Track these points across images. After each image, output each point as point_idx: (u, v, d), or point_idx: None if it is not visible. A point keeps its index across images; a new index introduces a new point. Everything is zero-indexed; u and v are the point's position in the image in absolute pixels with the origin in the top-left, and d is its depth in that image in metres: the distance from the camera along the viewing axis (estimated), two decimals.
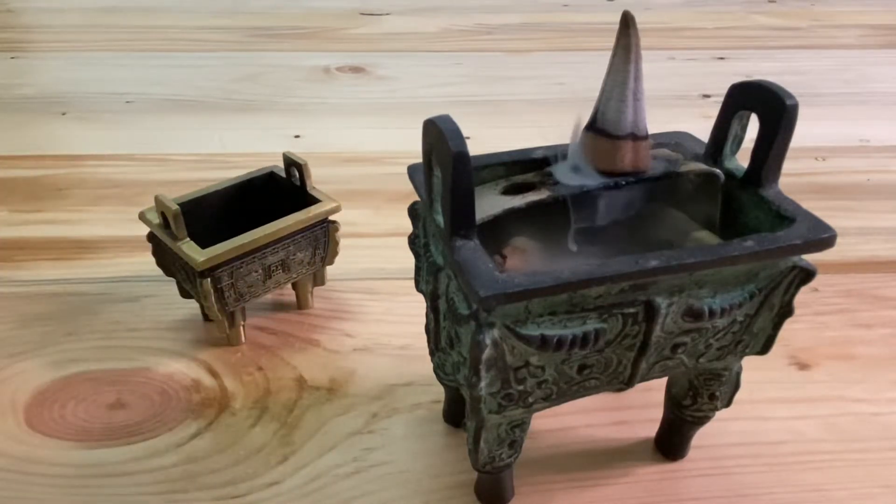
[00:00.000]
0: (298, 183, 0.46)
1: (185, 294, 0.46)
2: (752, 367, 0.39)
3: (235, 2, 1.12)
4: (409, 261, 0.36)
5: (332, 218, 0.46)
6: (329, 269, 0.49)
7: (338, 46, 0.97)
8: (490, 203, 0.30)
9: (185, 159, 0.68)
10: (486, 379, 0.28)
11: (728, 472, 0.38)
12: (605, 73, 0.30)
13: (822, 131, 0.75)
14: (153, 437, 0.40)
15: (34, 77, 0.86)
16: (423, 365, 0.42)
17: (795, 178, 0.66)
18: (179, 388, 0.43)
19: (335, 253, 0.47)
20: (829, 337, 0.48)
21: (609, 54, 0.30)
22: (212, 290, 0.41)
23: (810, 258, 0.30)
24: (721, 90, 0.33)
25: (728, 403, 0.36)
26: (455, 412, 0.40)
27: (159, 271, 0.46)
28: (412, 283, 0.37)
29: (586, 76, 0.88)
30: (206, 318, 0.47)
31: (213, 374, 0.44)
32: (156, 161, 0.68)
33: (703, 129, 0.34)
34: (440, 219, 0.29)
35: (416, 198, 0.32)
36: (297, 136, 0.73)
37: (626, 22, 0.29)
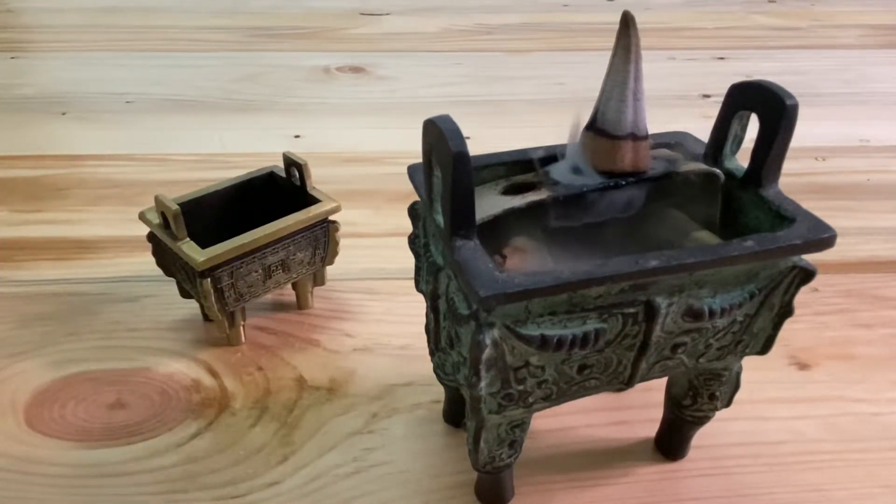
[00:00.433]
0: (298, 183, 0.46)
1: (185, 294, 0.46)
2: (752, 367, 0.39)
3: (235, 2, 1.12)
4: (409, 261, 0.36)
5: (332, 218, 0.46)
6: (329, 269, 0.49)
7: (338, 46, 0.97)
8: (490, 203, 0.30)
9: (185, 159, 0.68)
10: (486, 379, 0.28)
11: (728, 472, 0.38)
12: (605, 73, 0.30)
13: (822, 131, 0.75)
14: (153, 437, 0.40)
15: (34, 77, 0.86)
16: (423, 365, 0.42)
17: (795, 178, 0.66)
18: (179, 388, 0.43)
19: (335, 253, 0.47)
20: (829, 337, 0.48)
21: (609, 54, 0.30)
22: (212, 290, 0.41)
23: (810, 258, 0.30)
24: (721, 90, 0.33)
25: (728, 403, 0.36)
26: (455, 412, 0.40)
27: (159, 271, 0.46)
28: (412, 283, 0.37)
29: (586, 76, 0.88)
30: (206, 318, 0.47)
31: (213, 374, 0.44)
32: (156, 161, 0.68)
33: (703, 129, 0.34)
34: (440, 219, 0.29)
35: (416, 198, 0.32)
36: (297, 136, 0.73)
37: (626, 22, 0.29)
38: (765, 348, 0.33)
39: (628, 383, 0.31)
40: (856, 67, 0.92)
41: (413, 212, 0.33)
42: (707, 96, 0.83)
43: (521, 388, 0.29)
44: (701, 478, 0.38)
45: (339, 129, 0.74)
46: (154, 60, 0.90)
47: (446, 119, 0.26)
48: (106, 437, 0.40)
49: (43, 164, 0.67)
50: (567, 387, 0.30)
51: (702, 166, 0.32)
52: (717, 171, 0.32)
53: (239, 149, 0.70)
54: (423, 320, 0.36)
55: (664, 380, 0.38)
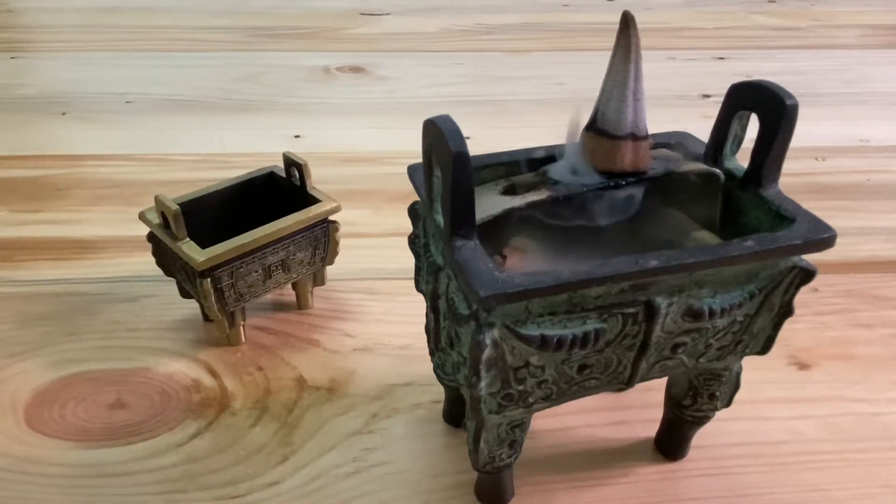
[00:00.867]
0: (298, 183, 0.46)
1: (185, 294, 0.46)
2: (752, 367, 0.39)
3: (235, 2, 1.12)
4: (409, 261, 0.36)
5: (332, 218, 0.46)
6: (329, 269, 0.49)
7: (338, 46, 0.97)
8: (490, 203, 0.30)
9: (185, 159, 0.68)
10: (486, 379, 0.28)
11: (728, 472, 0.38)
12: (605, 73, 0.30)
13: (822, 131, 0.75)
14: (153, 437, 0.40)
15: (34, 77, 0.86)
16: (423, 365, 0.42)
17: (795, 178, 0.66)
18: (179, 388, 0.43)
19: (335, 253, 0.47)
20: (829, 337, 0.48)
21: (609, 54, 0.30)
22: (212, 290, 0.41)
23: (810, 258, 0.30)
24: (721, 90, 0.33)
25: (728, 403, 0.36)
26: (455, 412, 0.40)
27: (159, 271, 0.46)
28: (412, 283, 0.37)
29: (586, 76, 0.88)
30: (206, 318, 0.47)
31: (213, 374, 0.44)
32: (156, 161, 0.68)
33: (703, 129, 0.34)
34: (440, 219, 0.29)
35: (416, 198, 0.32)
36: (297, 136, 0.73)
37: (626, 22, 0.29)
38: (765, 348, 0.33)
39: (628, 383, 0.31)
40: (856, 67, 0.92)
41: (413, 212, 0.33)
42: (707, 96, 0.83)
43: (521, 388, 0.29)
44: (701, 478, 0.38)
45: (339, 129, 0.74)
46: (154, 60, 0.90)
47: (446, 119, 0.26)
48: (106, 437, 0.40)
49: (43, 164, 0.67)
50: (567, 387, 0.30)
51: (702, 166, 0.32)
52: (717, 171, 0.32)
53: (239, 149, 0.70)
54: (423, 320, 0.36)
55: (664, 380, 0.38)
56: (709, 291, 0.29)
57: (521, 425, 0.32)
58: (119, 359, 0.45)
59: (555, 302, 0.27)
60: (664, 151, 0.34)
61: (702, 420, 0.37)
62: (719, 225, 0.32)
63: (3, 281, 0.51)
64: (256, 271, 0.43)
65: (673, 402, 0.37)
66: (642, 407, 0.42)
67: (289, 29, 1.02)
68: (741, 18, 1.11)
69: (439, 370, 0.35)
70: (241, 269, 0.42)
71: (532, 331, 0.27)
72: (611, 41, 0.30)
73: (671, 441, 0.39)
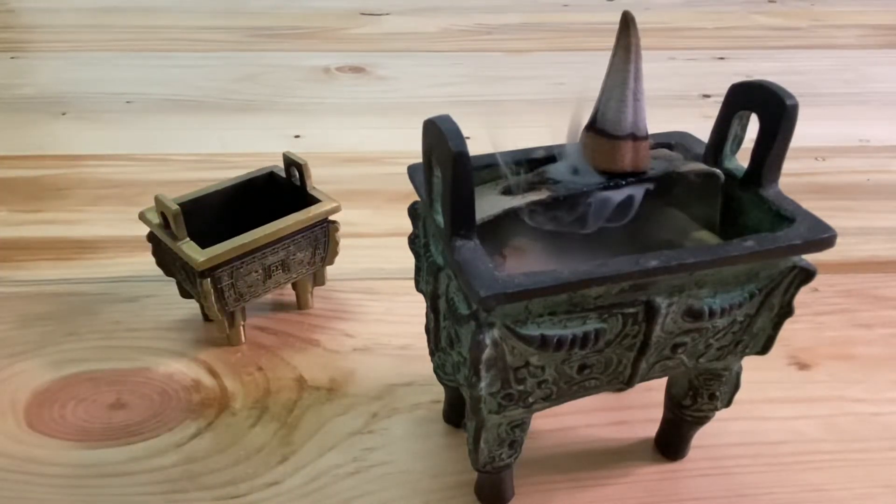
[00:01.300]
0: (298, 183, 0.46)
1: (185, 294, 0.46)
2: (752, 367, 0.39)
3: (235, 2, 1.12)
4: (409, 261, 0.36)
5: (332, 218, 0.46)
6: (329, 269, 0.49)
7: (338, 46, 0.97)
8: (490, 203, 0.30)
9: (185, 159, 0.68)
10: (486, 379, 0.28)
11: (728, 472, 0.38)
12: (605, 73, 0.30)
13: (822, 131, 0.75)
14: (153, 437, 0.40)
15: (34, 77, 0.86)
16: (423, 365, 0.42)
17: (795, 178, 0.66)
18: (179, 388, 0.43)
19: (335, 253, 0.47)
20: (829, 337, 0.48)
21: (609, 54, 0.30)
22: (212, 290, 0.41)
23: (810, 258, 0.30)
24: (721, 90, 0.33)
25: (728, 403, 0.36)
26: (455, 412, 0.40)
27: (159, 271, 0.46)
28: (412, 283, 0.37)
29: (586, 76, 0.88)
30: (206, 318, 0.47)
31: (213, 374, 0.44)
32: (156, 161, 0.68)
33: (703, 129, 0.34)
34: (440, 219, 0.29)
35: (416, 198, 0.32)
36: (297, 136, 0.73)
37: (626, 22, 0.29)
38: (765, 348, 0.33)
39: (628, 383, 0.31)
40: (856, 67, 0.92)
41: (413, 212, 0.33)
42: (707, 96, 0.83)
43: (521, 388, 0.29)
44: (701, 478, 0.38)
45: (339, 129, 0.74)
46: (154, 60, 0.90)
47: (446, 119, 0.26)
48: (106, 437, 0.40)
49: (43, 164, 0.67)
50: (567, 387, 0.30)
51: (702, 166, 0.32)
52: (717, 171, 0.32)
53: (239, 149, 0.70)
54: (423, 320, 0.36)
55: (664, 380, 0.38)
56: (709, 291, 0.29)
57: (521, 425, 0.32)
58: (119, 359, 0.45)
59: (555, 302, 0.27)
60: (664, 151, 0.34)
61: (702, 420, 0.37)
62: (719, 225, 0.32)
63: (3, 281, 0.51)
64: (256, 271, 0.43)
65: (673, 402, 0.37)
66: (642, 407, 0.42)
67: (289, 29, 1.02)
68: (741, 18, 1.10)
69: (439, 370, 0.35)
70: (241, 269, 0.42)
71: (532, 331, 0.27)
72: (611, 41, 0.30)
73: (671, 441, 0.39)
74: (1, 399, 0.42)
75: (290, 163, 0.46)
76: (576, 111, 0.31)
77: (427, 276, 0.32)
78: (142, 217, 0.44)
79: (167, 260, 0.44)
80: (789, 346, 0.46)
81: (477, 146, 0.31)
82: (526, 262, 0.30)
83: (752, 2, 1.18)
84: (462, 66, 0.91)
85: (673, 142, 0.35)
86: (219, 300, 0.42)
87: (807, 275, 0.30)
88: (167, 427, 0.40)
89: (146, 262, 0.48)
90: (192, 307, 0.48)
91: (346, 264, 0.51)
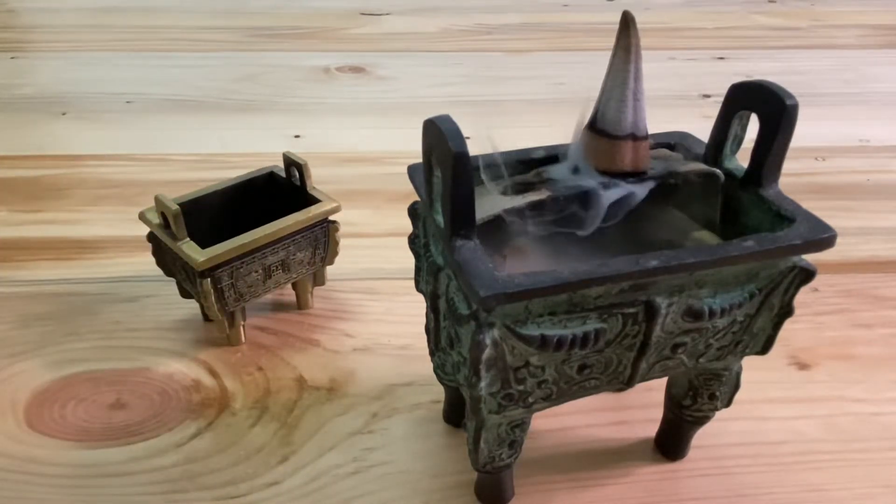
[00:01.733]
0: (298, 183, 0.46)
1: (185, 294, 0.46)
2: (752, 367, 0.39)
3: (235, 2, 1.12)
4: (409, 261, 0.36)
5: (332, 218, 0.46)
6: (329, 269, 0.49)
7: (338, 46, 0.97)
8: (490, 203, 0.30)
9: (185, 159, 0.68)
10: (486, 379, 0.28)
11: (728, 472, 0.38)
12: (605, 73, 0.30)
13: (822, 131, 0.75)
14: (153, 437, 0.40)
15: (34, 77, 0.86)
16: (423, 365, 0.42)
17: (795, 178, 0.66)
18: (179, 388, 0.43)
19: (335, 253, 0.47)
20: (829, 337, 0.48)
21: (609, 54, 0.30)
22: (212, 290, 0.41)
23: (810, 258, 0.30)
24: (721, 90, 0.33)
25: (728, 403, 0.36)
26: (455, 412, 0.40)
27: (159, 271, 0.46)
28: (412, 283, 0.37)
29: (586, 76, 0.88)
30: (206, 318, 0.47)
31: (213, 374, 0.44)
32: (156, 161, 0.68)
33: (703, 129, 0.34)
34: (440, 219, 0.29)
35: (416, 198, 0.32)
36: (297, 136, 0.73)
37: (626, 22, 0.29)
38: (765, 348, 0.33)
39: (628, 383, 0.31)
40: (856, 67, 0.92)
41: (413, 212, 0.33)
42: (707, 96, 0.83)
43: (521, 388, 0.29)
44: (701, 478, 0.38)
45: (338, 129, 0.74)
46: (154, 60, 0.90)
47: (446, 119, 0.26)
48: (106, 437, 0.40)
49: (43, 164, 0.67)
50: (567, 387, 0.30)
51: (702, 166, 0.32)
52: (717, 171, 0.32)
53: (239, 149, 0.70)
54: (423, 320, 0.36)
55: (664, 380, 0.38)
56: (709, 291, 0.29)
57: (521, 425, 0.32)
58: (119, 359, 0.45)
59: (555, 302, 0.27)
60: (664, 151, 0.34)
61: (702, 420, 0.37)
62: (719, 225, 0.32)
63: (3, 281, 0.51)
64: (256, 271, 0.43)
65: (673, 402, 0.37)
66: (642, 407, 0.42)
67: (289, 29, 1.02)
68: (741, 18, 1.10)
69: (439, 370, 0.35)
70: (241, 269, 0.42)
71: (532, 331, 0.27)
72: (611, 41, 0.30)
73: (671, 441, 0.39)
74: (1, 399, 0.42)
75: (290, 163, 0.46)
76: (583, 111, 0.31)
77: (427, 276, 0.32)
78: (142, 217, 0.44)
79: (167, 260, 0.44)
80: (789, 346, 0.46)
81: (477, 146, 0.31)
82: (526, 262, 0.30)
83: (752, 2, 1.18)
84: (462, 66, 0.91)
85: (673, 142, 0.35)
86: (219, 300, 0.42)
87: (807, 275, 0.30)
88: (167, 427, 0.40)
89: (146, 262, 0.48)
90: (192, 307, 0.48)
91: (346, 264, 0.51)
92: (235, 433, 0.40)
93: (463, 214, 0.27)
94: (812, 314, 0.49)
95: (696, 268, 0.27)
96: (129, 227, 0.57)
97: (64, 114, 0.76)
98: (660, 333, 0.29)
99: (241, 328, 0.45)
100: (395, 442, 0.40)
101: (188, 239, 0.41)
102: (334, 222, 0.46)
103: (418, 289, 0.34)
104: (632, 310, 0.28)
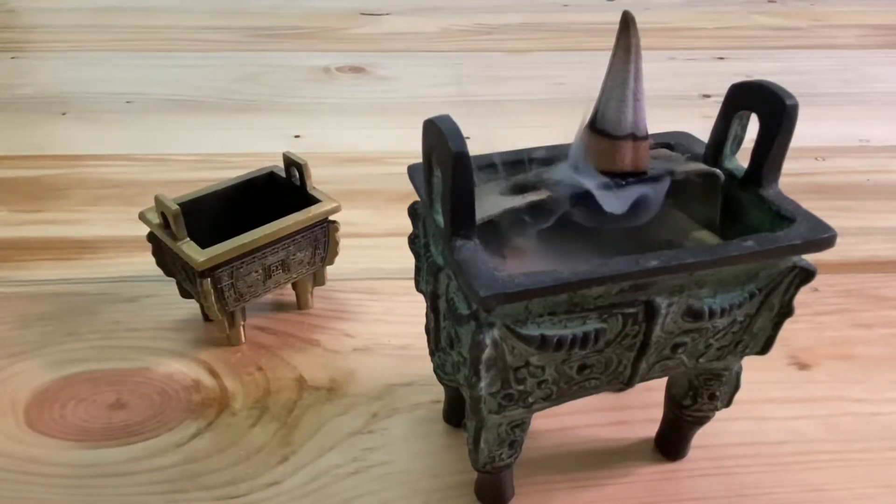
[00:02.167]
0: (298, 183, 0.46)
1: (185, 294, 0.46)
2: (752, 367, 0.39)
3: (235, 2, 1.12)
4: (409, 261, 0.36)
5: (332, 218, 0.46)
6: (329, 269, 0.49)
7: (338, 46, 0.97)
8: (490, 203, 0.30)
9: (185, 159, 0.68)
10: (486, 379, 0.28)
11: (728, 472, 0.38)
12: (605, 73, 0.30)
13: (822, 131, 0.75)
14: (153, 437, 0.40)
15: (34, 77, 0.86)
16: (423, 365, 0.42)
17: (795, 178, 0.66)
18: (179, 388, 0.43)
19: (335, 253, 0.47)
20: (829, 337, 0.48)
21: (609, 54, 0.30)
22: (212, 290, 0.41)
23: (810, 258, 0.30)
24: (721, 90, 0.33)
25: (728, 403, 0.36)
26: (455, 412, 0.40)
27: (159, 271, 0.46)
28: (412, 283, 0.37)
29: (586, 76, 0.88)
30: (206, 318, 0.47)
31: (213, 374, 0.44)
32: (156, 161, 0.68)
33: (703, 129, 0.34)
34: (440, 219, 0.29)
35: (416, 198, 0.32)
36: (297, 136, 0.73)
37: (626, 22, 0.29)
38: (765, 348, 0.33)
39: (628, 383, 0.31)
40: (856, 67, 0.92)
41: (413, 212, 0.33)
42: (707, 96, 0.83)
43: (521, 388, 0.29)
44: (701, 478, 0.38)
45: (338, 129, 0.74)
46: (154, 60, 0.90)
47: (446, 119, 0.26)
48: (106, 437, 0.40)
49: (43, 164, 0.67)
50: (567, 387, 0.30)
51: (702, 166, 0.32)
52: (717, 171, 0.32)
53: (239, 149, 0.70)
54: (423, 320, 0.36)
55: (664, 380, 0.38)
56: (709, 291, 0.29)
57: (521, 425, 0.32)
58: (119, 359, 0.45)
59: (555, 302, 0.27)
60: (664, 151, 0.34)
61: (702, 420, 0.37)
62: (719, 225, 0.32)
63: (3, 281, 0.51)
64: (256, 271, 0.43)
65: (673, 402, 0.37)
66: (642, 407, 0.42)
67: (289, 29, 1.02)
68: (741, 18, 1.10)
69: (439, 370, 0.35)
70: (241, 269, 0.42)
71: (532, 331, 0.27)
72: (611, 41, 0.30)
73: (671, 441, 0.39)
74: (1, 399, 0.42)
75: (290, 163, 0.46)
76: (586, 112, 0.31)
77: (427, 276, 0.32)
78: (142, 217, 0.44)
79: (167, 260, 0.44)
80: (789, 346, 0.46)
81: (477, 146, 0.31)
82: (526, 262, 0.30)
83: (752, 2, 1.18)
84: (462, 66, 0.90)
85: (673, 142, 0.35)
86: (219, 300, 0.42)
87: (807, 275, 0.30)
88: (167, 427, 0.40)
89: (146, 262, 0.48)
90: (192, 307, 0.48)
91: (346, 264, 0.51)
92: (235, 433, 0.40)
93: (463, 214, 0.27)
94: (812, 314, 0.49)
95: (696, 268, 0.27)
96: (129, 227, 0.57)
97: (64, 114, 0.76)
98: (660, 333, 0.29)
99: (241, 328, 0.45)
100: (395, 442, 0.40)
101: (188, 239, 0.41)
102: (334, 222, 0.46)
103: (418, 289, 0.34)
104: (632, 310, 0.28)
